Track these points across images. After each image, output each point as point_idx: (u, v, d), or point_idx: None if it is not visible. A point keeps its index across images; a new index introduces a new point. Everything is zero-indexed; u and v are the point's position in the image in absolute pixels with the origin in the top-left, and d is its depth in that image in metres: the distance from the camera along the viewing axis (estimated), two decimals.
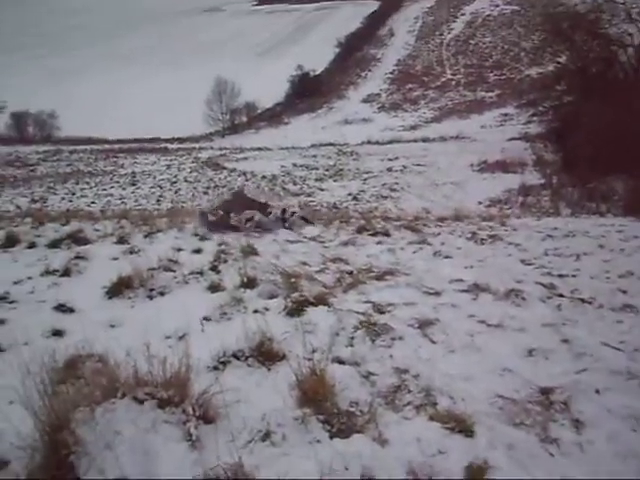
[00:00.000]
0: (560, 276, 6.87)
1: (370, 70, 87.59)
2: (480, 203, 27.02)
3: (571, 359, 4.27)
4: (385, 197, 30.69)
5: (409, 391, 3.79)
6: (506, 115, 56.89)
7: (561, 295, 5.92)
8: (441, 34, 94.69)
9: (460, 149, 40.74)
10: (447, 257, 8.26)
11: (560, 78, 43.30)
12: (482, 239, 9.86)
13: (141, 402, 3.17)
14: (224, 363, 4.19)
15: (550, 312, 5.35)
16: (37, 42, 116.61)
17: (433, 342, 4.61)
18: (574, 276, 6.92)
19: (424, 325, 4.91)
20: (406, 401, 3.67)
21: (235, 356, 4.25)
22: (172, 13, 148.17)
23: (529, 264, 7.77)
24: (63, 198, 34.12)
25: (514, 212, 20.80)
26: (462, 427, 3.29)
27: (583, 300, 5.76)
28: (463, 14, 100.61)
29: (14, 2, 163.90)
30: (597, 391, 3.73)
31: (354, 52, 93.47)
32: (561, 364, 4.18)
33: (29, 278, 6.64)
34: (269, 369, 4.11)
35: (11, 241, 8.57)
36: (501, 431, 3.29)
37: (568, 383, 3.81)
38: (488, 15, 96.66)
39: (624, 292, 6.14)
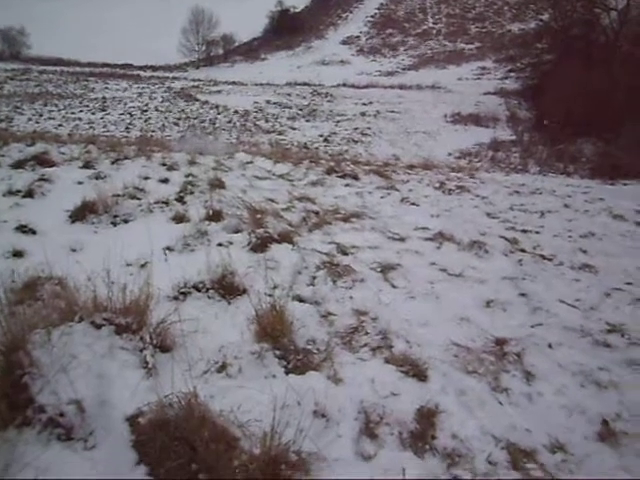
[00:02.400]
0: (524, 231, 6.95)
1: (351, 12, 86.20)
2: (450, 154, 27.02)
3: (527, 313, 4.34)
4: (356, 141, 30.53)
5: (366, 333, 3.82)
6: (484, 69, 56.58)
7: (523, 250, 6.00)
8: None
9: (435, 99, 40.53)
10: (414, 204, 8.31)
11: (541, 36, 43.08)
12: (450, 189, 9.91)
13: (99, 327, 3.15)
14: (184, 294, 4.18)
15: (511, 266, 5.41)
16: None
17: (394, 287, 4.64)
18: (537, 232, 7.01)
19: (386, 269, 4.94)
20: (363, 343, 3.70)
21: (196, 288, 4.24)
22: None
23: (494, 217, 7.84)
24: (30, 119, 33.39)
25: (483, 166, 20.87)
26: (416, 371, 3.34)
27: (544, 257, 5.85)
28: None
29: None
30: (550, 345, 3.80)
31: None
32: (517, 317, 4.25)
33: None
34: (229, 302, 4.11)
35: None
36: (454, 378, 3.35)
37: (523, 336, 3.88)
38: None
39: (584, 252, 6.24)
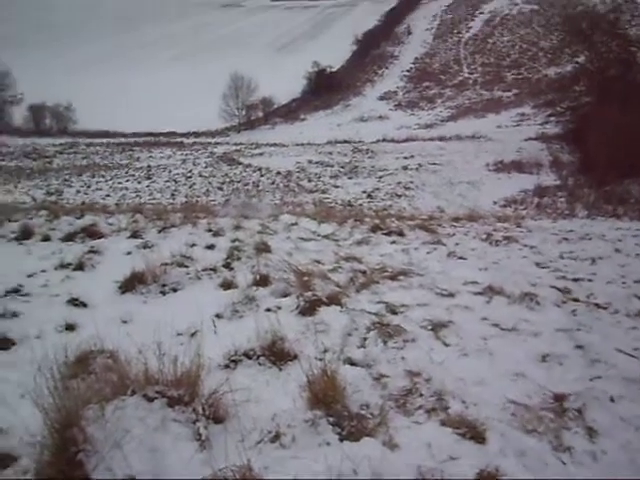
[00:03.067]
0: (575, 280, 6.81)
1: (387, 67, 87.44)
2: (495, 203, 26.89)
3: (585, 365, 4.22)
4: (400, 196, 30.59)
5: (421, 395, 3.76)
6: (523, 115, 56.53)
7: (576, 300, 5.87)
8: (459, 32, 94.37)
9: (476, 148, 40.52)
10: (461, 258, 8.23)
11: (578, 79, 43.07)
12: (497, 240, 9.81)
13: (151, 400, 3.16)
14: (235, 362, 4.18)
15: (565, 317, 5.29)
16: (53, 35, 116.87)
17: (446, 345, 4.58)
18: (589, 280, 6.86)
19: (437, 327, 4.88)
20: (417, 405, 3.63)
21: (246, 355, 4.23)
22: (191, 6, 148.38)
23: (544, 267, 7.71)
24: (78, 191, 34.23)
25: (529, 213, 20.70)
26: (474, 433, 3.26)
27: (598, 305, 5.71)
28: (482, 13, 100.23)
29: None
30: (611, 399, 3.68)
31: (371, 49, 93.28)
32: (575, 370, 4.13)
33: (43, 271, 6.69)
34: (280, 369, 4.09)
35: (26, 233, 8.64)
36: (513, 438, 3.25)
37: (582, 390, 3.77)
38: (507, 14, 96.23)
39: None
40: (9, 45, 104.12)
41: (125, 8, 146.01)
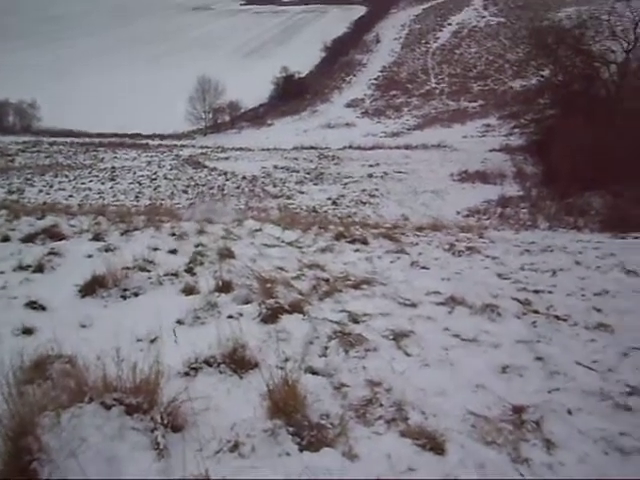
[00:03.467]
0: (536, 292, 6.88)
1: (355, 75, 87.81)
2: (459, 213, 27.13)
3: (544, 377, 4.26)
4: (365, 203, 30.71)
5: (381, 405, 3.75)
6: (488, 126, 57.18)
7: (536, 311, 5.92)
8: (427, 43, 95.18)
9: (441, 158, 40.86)
10: (424, 268, 8.26)
11: (543, 92, 43.64)
12: (460, 251, 9.87)
13: (109, 408, 3.12)
14: (196, 369, 4.13)
15: (525, 328, 5.34)
16: (18, 32, 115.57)
17: (407, 355, 4.58)
18: (550, 292, 6.93)
19: (399, 337, 4.89)
20: (377, 415, 3.63)
21: (207, 362, 4.19)
22: (161, 9, 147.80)
23: (506, 278, 7.78)
24: (41, 190, 33.86)
25: (492, 223, 20.90)
26: (433, 444, 3.26)
27: (558, 317, 5.77)
28: (450, 24, 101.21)
29: None
30: (569, 411, 3.72)
31: (340, 56, 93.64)
32: (534, 382, 4.17)
33: (1, 273, 6.60)
34: (241, 377, 4.06)
35: None
36: (472, 449, 3.26)
37: (541, 402, 3.80)
38: (474, 26, 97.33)
39: (599, 310, 6.15)
40: None
41: (98, 9, 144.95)
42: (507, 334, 5.12)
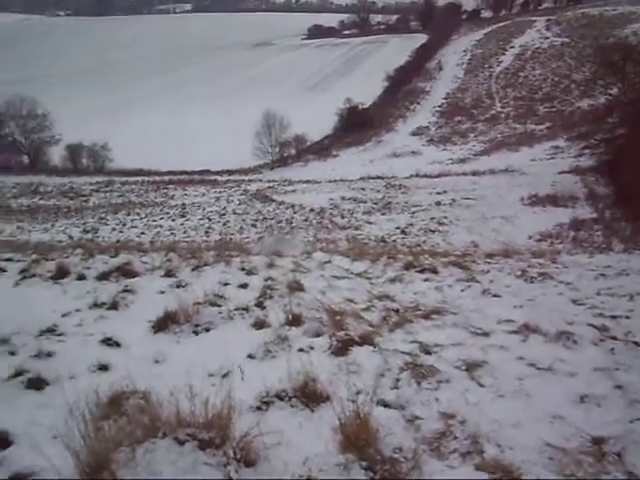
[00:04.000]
0: (613, 317, 6.67)
1: (419, 103, 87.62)
2: (530, 237, 26.65)
3: (625, 407, 4.12)
4: (433, 231, 30.48)
5: (455, 437, 3.70)
6: (557, 148, 56.15)
7: (614, 338, 5.75)
8: (490, 67, 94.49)
9: (510, 182, 40.27)
10: (496, 296, 8.13)
11: (611, 110, 42.84)
12: (532, 277, 9.68)
13: (182, 443, 3.17)
14: (267, 403, 4.17)
15: (602, 356, 5.18)
16: (88, 76, 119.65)
17: (481, 385, 4.51)
18: (627, 317, 6.72)
19: (472, 367, 4.82)
20: (452, 448, 3.58)
21: (278, 396, 4.22)
22: (223, 47, 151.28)
23: (581, 304, 7.58)
24: (114, 229, 34.68)
25: (565, 247, 20.45)
26: (510, 477, 3.20)
27: (637, 343, 5.59)
28: (512, 47, 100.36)
29: (67, 38, 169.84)
30: None
31: (403, 85, 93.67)
32: (614, 412, 4.03)
33: (77, 310, 6.78)
34: (312, 411, 4.07)
35: (62, 272, 8.74)
36: None
37: (622, 433, 3.67)
38: (537, 47, 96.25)
39: None
40: (53, 85, 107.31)
41: (162, 50, 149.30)
42: (584, 362, 4.98)
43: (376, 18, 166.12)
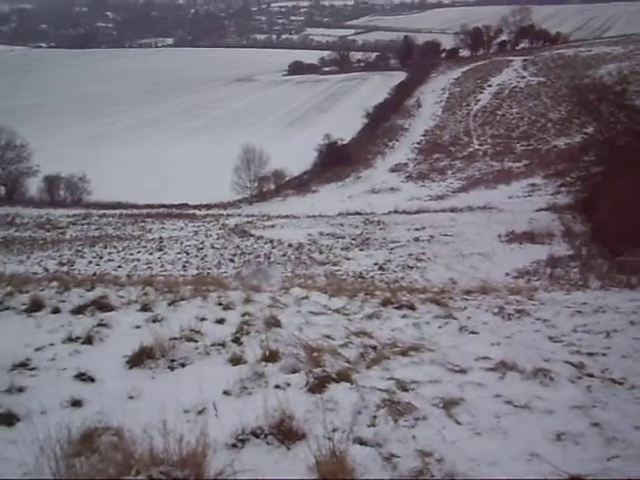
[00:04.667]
0: (590, 354, 6.69)
1: (397, 140, 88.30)
2: (507, 274, 26.81)
3: (602, 444, 4.12)
4: (411, 267, 30.57)
5: (432, 476, 3.69)
6: (534, 185, 56.67)
7: (591, 375, 5.77)
8: (468, 105, 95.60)
9: (487, 219, 40.58)
10: (473, 333, 8.13)
11: (588, 149, 43.52)
12: (509, 314, 9.69)
13: None
14: (243, 441, 4.13)
15: (579, 393, 5.19)
16: (67, 108, 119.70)
17: (458, 423, 4.50)
18: (604, 355, 6.73)
19: (449, 405, 4.81)
20: None
21: (254, 434, 4.20)
22: (204, 82, 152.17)
23: (557, 341, 7.59)
24: (90, 262, 34.45)
25: (542, 284, 20.54)
26: None
27: (614, 381, 5.60)
28: (490, 85, 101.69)
29: (48, 70, 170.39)
30: None
31: (382, 122, 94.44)
32: (591, 450, 4.04)
33: (51, 345, 6.71)
34: (289, 448, 4.04)
35: (36, 305, 8.62)
36: None
37: (599, 470, 3.68)
38: (515, 86, 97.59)
39: None
40: (33, 116, 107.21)
41: (141, 84, 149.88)
42: (561, 399, 4.99)
43: (356, 55, 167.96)
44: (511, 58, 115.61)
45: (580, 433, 4.27)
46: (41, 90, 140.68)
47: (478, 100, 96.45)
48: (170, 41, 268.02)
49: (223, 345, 6.70)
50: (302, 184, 76.10)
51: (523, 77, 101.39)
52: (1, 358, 5.89)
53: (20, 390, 5.19)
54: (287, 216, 50.97)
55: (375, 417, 4.56)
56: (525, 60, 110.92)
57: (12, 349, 6.28)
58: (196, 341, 6.79)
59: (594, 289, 16.67)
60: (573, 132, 66.96)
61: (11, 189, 68.96)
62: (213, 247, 37.75)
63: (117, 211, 58.03)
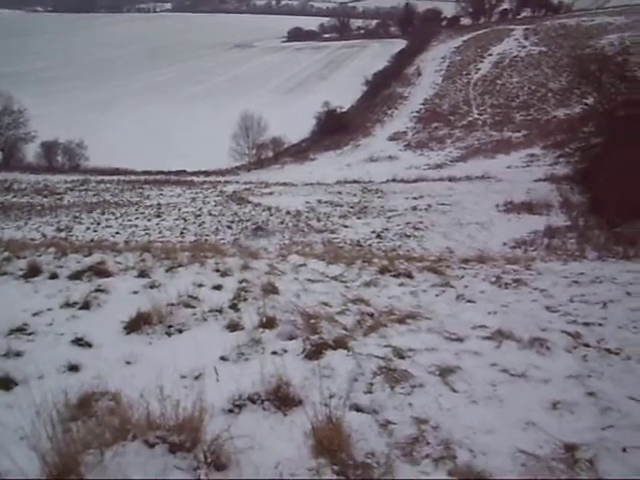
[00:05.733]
0: (586, 324, 6.69)
1: (397, 108, 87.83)
2: (505, 244, 26.78)
3: (597, 414, 4.13)
4: (409, 236, 30.51)
5: (428, 443, 3.69)
6: (532, 156, 56.43)
7: (587, 345, 5.77)
8: (468, 74, 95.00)
9: (486, 189, 40.42)
10: (470, 301, 8.15)
11: (587, 120, 43.26)
12: (506, 283, 9.71)
13: (152, 446, 3.13)
14: (239, 406, 4.14)
15: (575, 363, 5.19)
16: (70, 74, 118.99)
17: (454, 391, 4.51)
18: (600, 325, 6.74)
19: (445, 372, 4.82)
20: (424, 454, 3.57)
21: (251, 399, 4.20)
22: (203, 47, 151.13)
23: (554, 311, 7.60)
24: (88, 228, 34.30)
25: (539, 254, 20.54)
26: None
27: (610, 351, 5.60)
28: (490, 54, 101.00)
29: (49, 34, 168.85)
30: (624, 449, 3.59)
31: (381, 90, 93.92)
32: (586, 419, 4.04)
33: (49, 310, 6.71)
34: (285, 414, 4.04)
35: (33, 271, 8.62)
36: None
37: (594, 440, 3.68)
38: (515, 56, 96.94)
39: None
40: (31, 82, 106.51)
41: (142, 50, 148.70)
42: (557, 369, 4.99)
43: (356, 23, 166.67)
44: (512, 27, 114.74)
45: (575, 402, 4.28)
46: (37, 55, 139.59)
47: (478, 69, 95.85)
48: (168, 6, 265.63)
49: (220, 311, 6.70)
50: (300, 152, 75.79)
51: (524, 46, 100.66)
52: None
53: (17, 355, 5.20)
54: (285, 184, 50.79)
55: (371, 384, 4.57)
56: (527, 29, 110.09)
57: (10, 314, 6.29)
58: (193, 307, 6.79)
59: (591, 260, 16.68)
60: (573, 103, 66.50)
61: (8, 155, 68.58)
62: (211, 214, 37.63)
63: (115, 177, 57.80)
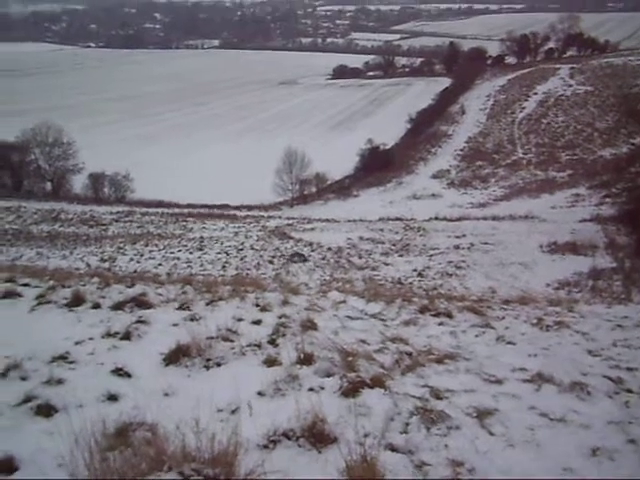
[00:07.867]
0: (629, 369, 6.57)
1: (440, 146, 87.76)
2: (548, 285, 26.47)
3: (638, 462, 4.05)
4: (450, 275, 30.34)
5: None
6: (578, 196, 55.87)
7: (629, 390, 5.67)
8: (513, 112, 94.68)
9: (529, 229, 40.05)
10: (510, 343, 8.05)
11: (634, 160, 42.82)
12: (548, 325, 9.57)
13: (187, 478, 3.15)
14: (274, 442, 4.14)
15: (617, 409, 5.11)
16: (119, 107, 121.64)
17: (491, 434, 4.46)
18: None
19: (483, 415, 4.77)
20: None
21: (286, 435, 4.21)
22: (249, 84, 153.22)
23: (596, 355, 7.47)
24: (131, 259, 34.76)
25: (584, 297, 20.26)
26: None
27: None
28: (535, 93, 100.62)
29: (97, 69, 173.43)
30: None
31: (425, 128, 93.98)
32: (627, 467, 3.97)
33: (90, 339, 6.80)
34: (319, 452, 4.04)
35: (77, 300, 8.77)
36: None
37: None
38: (561, 95, 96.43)
39: None
40: (82, 114, 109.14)
41: (189, 85, 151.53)
42: (597, 414, 4.91)
43: (401, 61, 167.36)
44: (558, 66, 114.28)
45: (615, 449, 4.20)
46: (91, 89, 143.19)
47: (523, 108, 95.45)
48: (216, 43, 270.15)
49: (259, 346, 6.73)
50: (343, 188, 75.97)
51: (570, 85, 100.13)
52: (42, 350, 6.00)
53: (59, 382, 5.28)
54: (327, 220, 50.94)
55: (407, 424, 4.55)
56: (572, 68, 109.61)
57: (53, 342, 6.41)
58: (232, 341, 6.83)
59: (637, 303, 16.39)
60: (620, 142, 65.90)
61: (57, 185, 69.96)
62: (253, 248, 37.86)
63: (159, 209, 58.50)
